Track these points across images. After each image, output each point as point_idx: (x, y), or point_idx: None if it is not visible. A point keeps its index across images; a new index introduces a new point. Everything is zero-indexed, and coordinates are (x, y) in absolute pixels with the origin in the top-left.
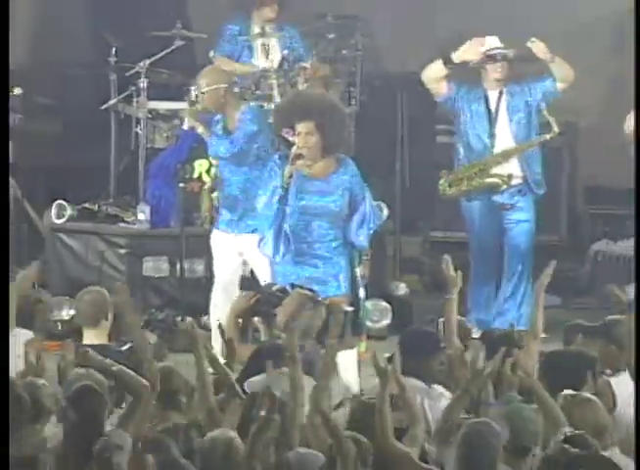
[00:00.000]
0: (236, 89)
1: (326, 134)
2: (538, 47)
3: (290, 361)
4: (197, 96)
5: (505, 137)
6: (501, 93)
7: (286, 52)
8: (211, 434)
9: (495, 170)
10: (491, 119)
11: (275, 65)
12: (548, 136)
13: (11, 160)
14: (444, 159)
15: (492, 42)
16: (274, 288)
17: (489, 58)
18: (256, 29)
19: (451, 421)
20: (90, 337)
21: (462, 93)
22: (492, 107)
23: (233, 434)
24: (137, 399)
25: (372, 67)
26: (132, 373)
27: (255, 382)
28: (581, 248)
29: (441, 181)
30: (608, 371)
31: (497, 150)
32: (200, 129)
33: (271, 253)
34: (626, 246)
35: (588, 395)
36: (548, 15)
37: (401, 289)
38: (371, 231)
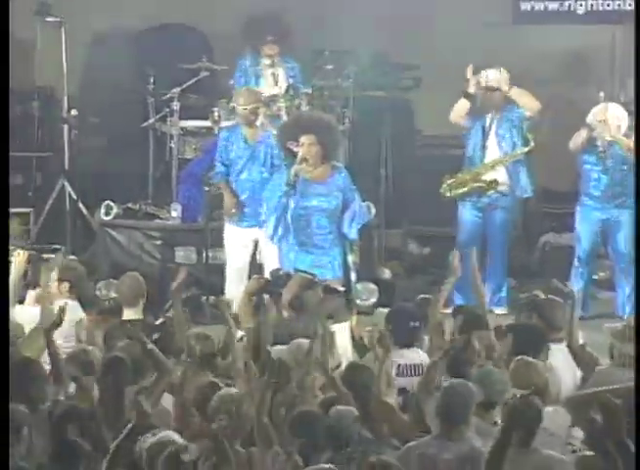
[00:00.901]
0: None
1: (324, 146)
2: (499, 78)
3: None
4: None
5: (493, 150)
6: (495, 116)
7: (291, 80)
8: (227, 392)
9: (484, 177)
10: (484, 136)
11: (282, 91)
12: (526, 149)
13: (67, 167)
14: (423, 167)
15: (490, 75)
16: (280, 272)
17: (488, 89)
18: (267, 61)
19: (431, 377)
20: (129, 314)
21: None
22: (486, 125)
23: (244, 392)
24: (161, 375)
25: (361, 92)
26: (161, 354)
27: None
28: (533, 239)
29: (444, 186)
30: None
31: (487, 160)
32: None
33: (270, 235)
34: (569, 237)
35: (533, 359)
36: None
37: (386, 273)
38: (360, 226)
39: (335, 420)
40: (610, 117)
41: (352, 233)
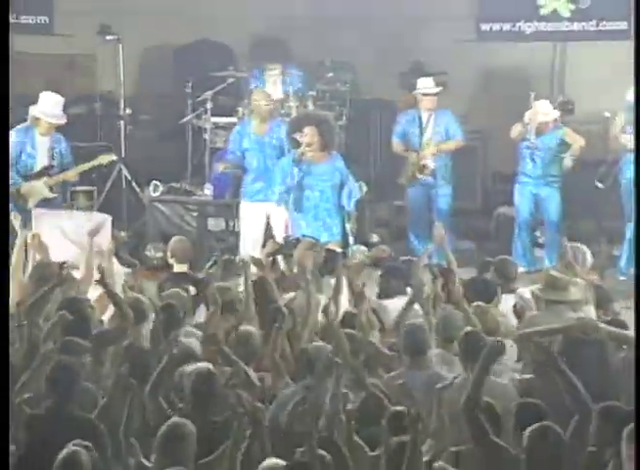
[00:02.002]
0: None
1: (323, 136)
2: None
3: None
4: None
5: (428, 141)
6: (430, 115)
7: (299, 85)
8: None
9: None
10: (422, 131)
11: (291, 93)
12: (452, 144)
13: (123, 154)
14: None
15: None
16: (291, 237)
17: (425, 95)
18: (273, 72)
19: (402, 319)
20: (180, 268)
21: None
22: (423, 123)
23: (254, 329)
24: (215, 310)
25: (356, 95)
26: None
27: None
28: (490, 211)
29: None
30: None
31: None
32: None
33: (281, 202)
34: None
35: (489, 305)
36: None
37: (375, 238)
38: (354, 200)
39: (329, 354)
40: (538, 113)
41: (349, 205)
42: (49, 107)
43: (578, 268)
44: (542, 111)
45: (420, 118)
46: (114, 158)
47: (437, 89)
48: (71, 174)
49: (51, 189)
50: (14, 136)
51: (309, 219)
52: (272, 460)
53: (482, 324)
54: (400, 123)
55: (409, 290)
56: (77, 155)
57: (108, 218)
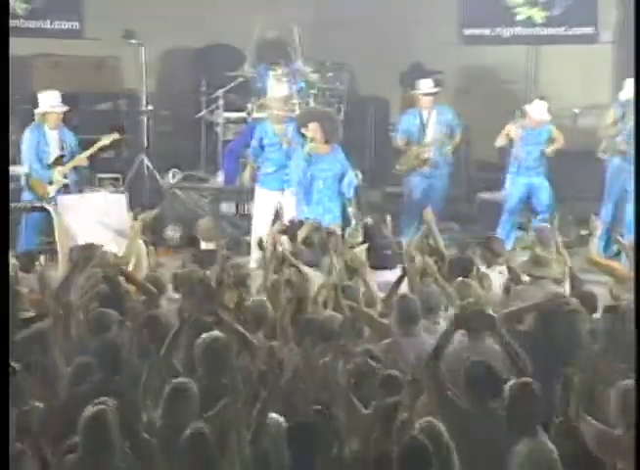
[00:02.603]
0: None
1: (326, 130)
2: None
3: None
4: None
5: (430, 138)
6: (430, 113)
7: (303, 85)
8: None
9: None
10: (424, 127)
11: (294, 92)
12: (455, 136)
13: (145, 146)
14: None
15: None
16: (296, 220)
17: (425, 95)
18: (278, 71)
19: (393, 292)
20: (208, 246)
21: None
22: (424, 120)
23: (265, 299)
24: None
25: (353, 93)
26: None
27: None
28: (472, 196)
29: (397, 166)
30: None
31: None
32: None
33: (295, 192)
34: (497, 195)
35: (470, 280)
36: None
37: (369, 220)
38: (353, 187)
39: (329, 322)
40: (531, 113)
41: (350, 193)
42: (50, 101)
43: (553, 247)
44: (539, 110)
45: (421, 116)
46: (117, 136)
47: (437, 89)
48: (81, 158)
49: (65, 176)
50: (28, 134)
51: (313, 205)
52: (274, 416)
53: (465, 298)
54: (403, 122)
55: (399, 266)
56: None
57: (121, 197)
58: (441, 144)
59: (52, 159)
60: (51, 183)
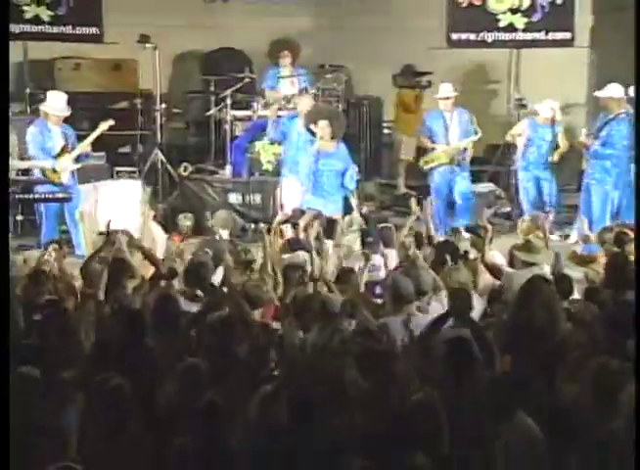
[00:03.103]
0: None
1: (333, 128)
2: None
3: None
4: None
5: (454, 137)
6: (452, 115)
7: (304, 85)
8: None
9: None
10: (446, 128)
11: (296, 91)
12: (476, 138)
13: (159, 141)
14: (385, 141)
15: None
16: (298, 209)
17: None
18: (285, 72)
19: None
20: (224, 234)
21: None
22: (447, 122)
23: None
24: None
25: (349, 92)
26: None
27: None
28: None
29: (421, 162)
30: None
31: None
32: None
33: (304, 184)
34: (482, 186)
35: (457, 265)
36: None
37: (365, 209)
38: (354, 180)
39: (327, 302)
40: (542, 111)
41: (351, 186)
42: (55, 103)
43: (544, 234)
44: (550, 107)
45: (444, 118)
46: (112, 122)
47: (455, 93)
48: (84, 145)
49: (73, 162)
50: (32, 129)
51: (319, 196)
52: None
53: (454, 281)
54: (427, 122)
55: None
56: (122, 141)
57: (137, 184)
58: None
59: (58, 149)
60: (61, 171)
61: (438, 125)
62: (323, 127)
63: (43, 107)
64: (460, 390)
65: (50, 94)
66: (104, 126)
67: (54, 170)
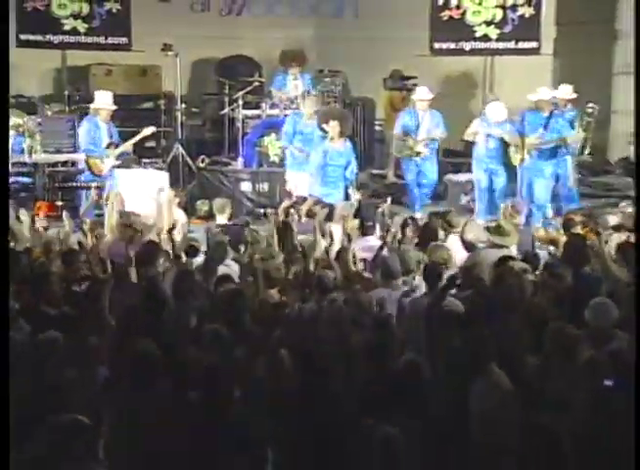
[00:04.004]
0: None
1: (342, 128)
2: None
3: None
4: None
5: (423, 134)
6: (424, 114)
7: (306, 88)
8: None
9: (416, 149)
10: (418, 125)
11: (299, 93)
12: (442, 134)
13: (179, 137)
14: (377, 137)
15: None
16: (301, 196)
17: (421, 100)
18: (292, 77)
19: (379, 253)
20: (221, 220)
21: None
22: (420, 120)
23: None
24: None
25: (346, 93)
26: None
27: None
28: (441, 177)
29: (395, 152)
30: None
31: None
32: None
33: (313, 176)
34: (461, 177)
35: (440, 243)
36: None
37: (358, 195)
38: (354, 173)
39: (325, 278)
40: (489, 113)
41: (352, 177)
42: (104, 99)
43: (515, 219)
44: (496, 110)
45: (417, 116)
46: (154, 129)
47: (431, 95)
48: (128, 145)
49: (115, 158)
50: (85, 123)
51: (324, 185)
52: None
53: (436, 258)
54: (401, 118)
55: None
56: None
57: (164, 175)
58: (431, 140)
59: (105, 144)
60: (103, 163)
61: (411, 122)
62: (334, 127)
63: (94, 105)
64: (442, 349)
65: (98, 93)
66: (147, 131)
67: (101, 161)
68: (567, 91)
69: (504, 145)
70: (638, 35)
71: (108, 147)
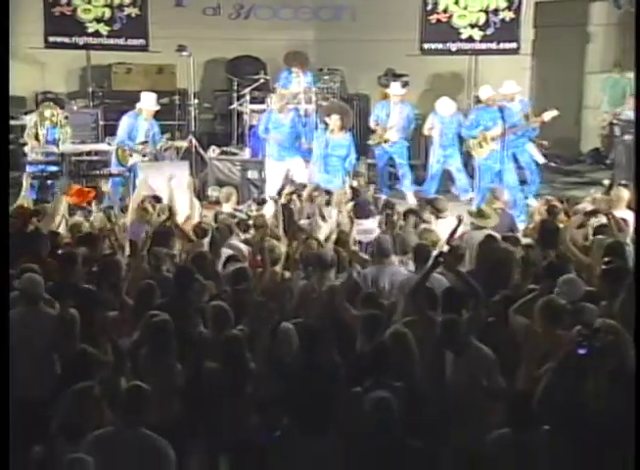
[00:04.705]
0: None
1: (342, 121)
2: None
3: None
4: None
5: (390, 124)
6: (395, 106)
7: (307, 84)
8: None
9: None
10: (388, 116)
11: (302, 89)
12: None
13: (193, 129)
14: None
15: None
16: (301, 183)
17: (394, 95)
18: (295, 75)
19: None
20: (226, 208)
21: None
22: (390, 111)
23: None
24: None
25: (343, 90)
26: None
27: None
28: (426, 164)
29: (370, 140)
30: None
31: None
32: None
33: (316, 164)
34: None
35: (429, 226)
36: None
37: (354, 183)
38: (352, 163)
39: (324, 254)
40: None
41: (350, 167)
42: (148, 101)
43: (497, 203)
44: (446, 106)
45: (388, 108)
46: (186, 144)
47: (403, 91)
48: (157, 149)
49: (144, 156)
50: (125, 119)
51: (324, 173)
52: (285, 324)
53: (427, 240)
54: (376, 109)
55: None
56: (163, 129)
57: (185, 164)
58: (400, 129)
59: (138, 141)
60: (131, 156)
61: (382, 113)
62: (335, 120)
63: (139, 104)
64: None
65: (144, 94)
66: (179, 143)
67: (130, 154)
68: (511, 87)
69: (459, 138)
70: (638, 37)
71: (139, 144)
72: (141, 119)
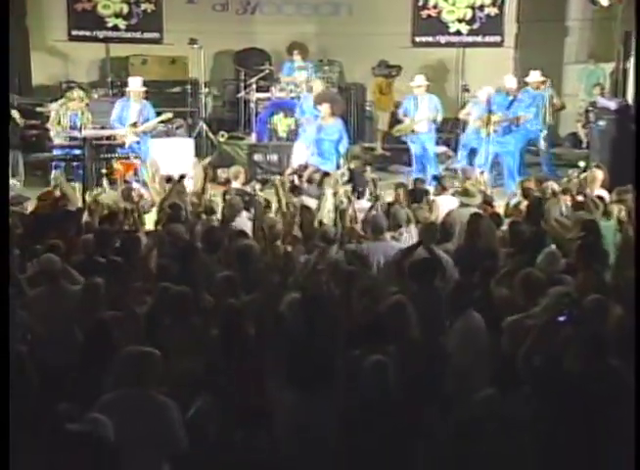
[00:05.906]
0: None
1: (333, 109)
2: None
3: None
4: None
5: (422, 116)
6: (423, 99)
7: (307, 74)
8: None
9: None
10: (417, 108)
11: (304, 78)
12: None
13: (203, 116)
14: (367, 115)
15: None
16: (302, 164)
17: (419, 86)
18: (297, 64)
19: (369, 212)
20: (235, 184)
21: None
22: (418, 104)
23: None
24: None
25: (341, 80)
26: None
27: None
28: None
29: (394, 131)
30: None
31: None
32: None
33: (308, 148)
34: (438, 148)
35: (422, 205)
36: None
37: (352, 165)
38: (345, 147)
39: (327, 229)
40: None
41: (343, 150)
42: (134, 84)
43: (472, 181)
44: (487, 92)
45: (416, 100)
46: (171, 115)
47: (427, 83)
48: (148, 126)
49: (137, 135)
50: (117, 104)
51: (319, 156)
52: (291, 294)
53: (418, 217)
54: (404, 103)
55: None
56: (176, 115)
57: (190, 141)
58: (428, 120)
59: (130, 122)
60: (125, 137)
61: (410, 106)
62: (325, 108)
63: (128, 88)
64: (424, 295)
65: (130, 78)
66: (164, 117)
67: (122, 135)
68: (536, 76)
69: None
70: (638, 34)
71: (131, 126)
72: (131, 101)
